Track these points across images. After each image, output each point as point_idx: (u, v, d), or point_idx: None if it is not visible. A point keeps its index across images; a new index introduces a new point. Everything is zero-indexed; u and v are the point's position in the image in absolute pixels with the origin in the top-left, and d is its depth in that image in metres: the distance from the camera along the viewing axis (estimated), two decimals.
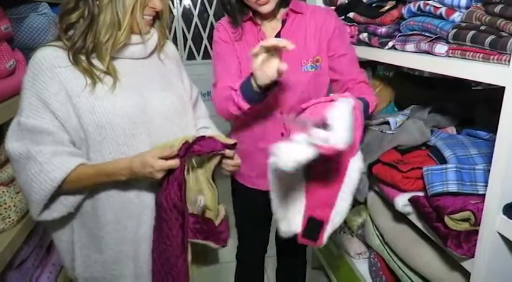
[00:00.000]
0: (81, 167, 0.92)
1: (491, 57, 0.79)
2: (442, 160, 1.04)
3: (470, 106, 1.28)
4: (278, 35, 1.23)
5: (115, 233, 1.00)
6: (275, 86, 1.09)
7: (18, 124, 0.90)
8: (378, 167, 1.16)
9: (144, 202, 1.01)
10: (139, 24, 0.94)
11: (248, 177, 1.38)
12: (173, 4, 3.44)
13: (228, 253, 1.77)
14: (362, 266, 1.54)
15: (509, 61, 0.73)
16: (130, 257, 1.03)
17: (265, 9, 1.16)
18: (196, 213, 0.98)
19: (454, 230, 0.88)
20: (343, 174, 0.88)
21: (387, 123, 1.26)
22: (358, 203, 1.58)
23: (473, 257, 0.85)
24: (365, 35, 1.31)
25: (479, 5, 0.86)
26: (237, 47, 1.26)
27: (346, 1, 1.41)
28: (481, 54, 0.82)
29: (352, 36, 1.39)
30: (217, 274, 2.26)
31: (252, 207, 1.44)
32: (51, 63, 0.90)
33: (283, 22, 1.22)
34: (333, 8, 1.54)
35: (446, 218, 0.88)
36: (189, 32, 3.52)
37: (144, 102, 0.98)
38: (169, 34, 3.51)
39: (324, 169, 0.89)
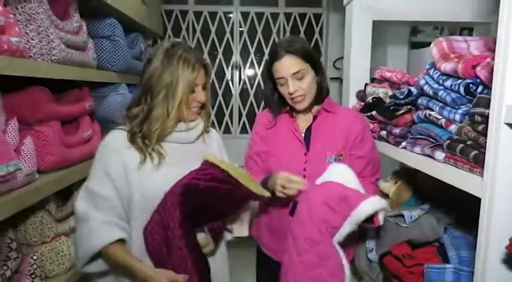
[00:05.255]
0: (116, 248, 1.10)
1: (475, 170, 0.89)
2: (446, 259, 1.08)
3: None
4: (309, 128, 1.41)
5: None
6: None
7: (86, 188, 1.15)
8: (388, 259, 1.21)
9: None
10: (184, 115, 1.19)
11: (273, 250, 1.48)
12: (232, 84, 3.86)
13: None
14: None
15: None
16: None
17: (300, 106, 1.37)
18: None
19: None
20: None
21: (402, 216, 1.33)
22: None
23: None
24: (384, 132, 1.45)
25: (468, 121, 0.98)
26: (271, 133, 1.46)
27: (371, 101, 1.58)
28: (468, 166, 0.92)
29: (374, 132, 1.53)
30: None
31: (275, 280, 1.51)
32: (116, 144, 1.17)
33: (315, 117, 1.41)
34: (362, 103, 1.71)
35: None
36: (244, 109, 3.87)
37: None
38: (227, 110, 3.88)
39: None
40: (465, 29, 2.58)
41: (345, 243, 1.23)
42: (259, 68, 3.85)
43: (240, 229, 1.23)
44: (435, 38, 2.47)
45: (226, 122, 3.90)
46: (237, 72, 3.83)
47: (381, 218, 1.16)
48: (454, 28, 2.66)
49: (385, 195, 1.54)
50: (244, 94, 3.89)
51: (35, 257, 1.42)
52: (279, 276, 1.44)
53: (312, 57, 1.35)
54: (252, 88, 3.87)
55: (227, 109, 3.88)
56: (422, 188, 1.54)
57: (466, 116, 1.00)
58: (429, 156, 1.11)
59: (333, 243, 1.18)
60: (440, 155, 1.04)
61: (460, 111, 1.01)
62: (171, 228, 1.07)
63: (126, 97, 2.11)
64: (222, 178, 1.09)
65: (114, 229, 1.11)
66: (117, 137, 1.18)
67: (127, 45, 2.19)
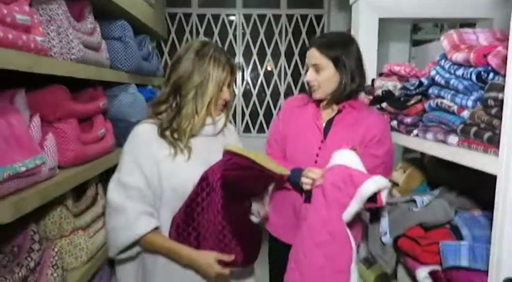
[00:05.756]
0: (156, 235, 1.17)
1: (489, 150, 0.94)
2: (460, 238, 1.13)
3: None
4: (331, 120, 1.46)
5: (165, 272, 1.21)
6: None
7: (118, 180, 1.19)
8: (402, 241, 1.27)
9: None
10: (212, 112, 1.23)
11: (277, 230, 1.53)
12: (235, 85, 3.92)
13: None
14: None
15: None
16: None
17: (315, 95, 1.43)
18: None
19: None
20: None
21: (415, 201, 1.38)
22: (391, 278, 1.64)
23: None
24: (395, 122, 1.50)
25: (481, 107, 1.03)
26: (295, 116, 1.51)
27: (381, 94, 1.64)
28: (482, 147, 0.97)
29: None
30: None
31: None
32: (146, 137, 1.21)
33: (340, 111, 1.46)
34: (370, 97, 1.77)
35: None
36: (247, 109, 3.93)
37: None
38: (230, 110, 3.94)
39: None
40: (464, 26, 2.64)
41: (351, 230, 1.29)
42: (261, 69, 3.91)
43: (261, 207, 1.29)
44: (435, 35, 2.55)
45: (230, 122, 3.95)
46: (240, 73, 3.89)
47: (383, 197, 1.21)
48: (454, 24, 2.73)
49: (395, 184, 1.60)
50: (247, 94, 3.95)
51: (56, 249, 1.45)
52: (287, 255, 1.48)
53: (335, 57, 1.37)
54: (254, 88, 3.93)
55: (230, 109, 3.93)
56: (431, 175, 1.60)
57: (478, 102, 1.06)
58: (442, 141, 1.16)
59: (343, 221, 1.23)
60: (453, 139, 1.10)
61: (472, 97, 1.07)
62: (211, 217, 1.13)
63: (137, 97, 2.15)
64: (247, 165, 1.15)
65: (151, 218, 1.17)
66: (147, 129, 1.22)
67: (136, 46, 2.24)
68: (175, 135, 1.21)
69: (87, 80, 1.72)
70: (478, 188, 1.39)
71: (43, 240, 1.42)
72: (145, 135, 1.21)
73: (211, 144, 1.28)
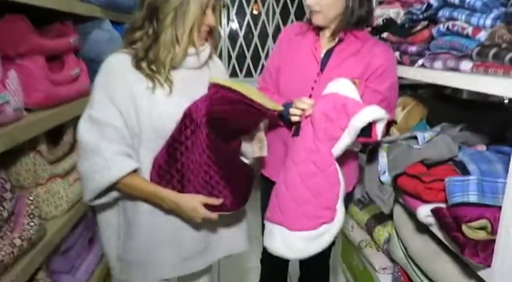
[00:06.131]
0: (136, 177, 1.05)
1: (511, 72, 0.83)
2: (466, 173, 1.06)
3: (504, 126, 1.29)
4: (331, 50, 1.32)
5: (148, 221, 1.11)
6: None
7: (89, 116, 1.05)
8: (403, 179, 1.20)
9: None
10: (195, 40, 1.08)
11: (273, 169, 1.44)
12: (221, 26, 3.67)
13: (255, 258, 1.83)
14: (386, 281, 1.54)
15: None
16: (168, 243, 1.13)
17: (315, 20, 1.28)
18: None
19: (472, 239, 0.89)
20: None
21: (415, 138, 1.30)
22: (385, 219, 1.61)
23: (489, 266, 0.87)
24: (397, 53, 1.37)
25: (502, 24, 0.91)
26: (293, 46, 1.37)
27: (381, 23, 1.49)
28: (502, 70, 0.86)
29: None
30: (243, 278, 2.32)
31: None
32: (121, 68, 1.06)
33: (342, 39, 1.31)
34: (369, 28, 1.62)
35: (463, 226, 0.91)
36: (233, 52, 3.72)
37: None
38: (215, 53, 3.72)
39: None
40: None
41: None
42: (248, 7, 3.65)
43: (259, 149, 1.18)
44: None
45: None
46: (225, 12, 3.62)
47: (378, 130, 1.11)
48: None
49: (393, 122, 1.51)
50: (233, 36, 3.72)
51: (31, 198, 1.35)
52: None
53: None
54: (241, 29, 3.69)
55: (216, 52, 3.72)
56: (432, 112, 1.51)
57: (498, 20, 0.93)
58: (453, 69, 1.05)
59: (332, 155, 1.14)
60: (467, 65, 0.99)
61: (491, 15, 0.94)
62: (195, 157, 1.03)
63: (112, 34, 1.95)
64: (235, 99, 1.02)
65: (129, 159, 1.06)
66: (121, 60, 1.07)
67: None
68: (153, 67, 1.07)
69: (52, 16, 1.52)
70: (482, 123, 1.32)
71: (15, 189, 1.31)
72: (118, 66, 1.06)
73: (195, 77, 1.14)
